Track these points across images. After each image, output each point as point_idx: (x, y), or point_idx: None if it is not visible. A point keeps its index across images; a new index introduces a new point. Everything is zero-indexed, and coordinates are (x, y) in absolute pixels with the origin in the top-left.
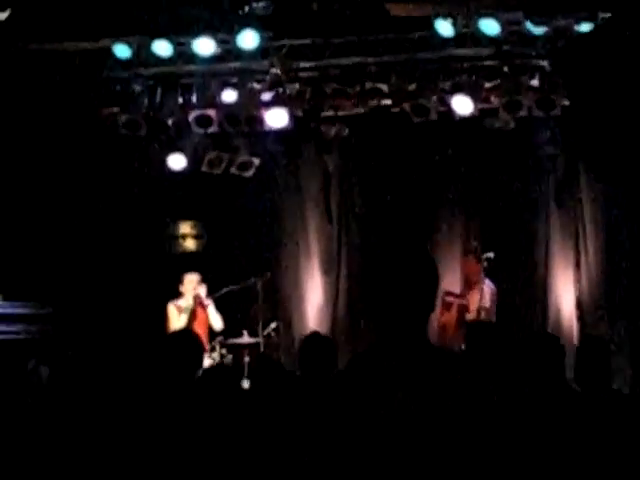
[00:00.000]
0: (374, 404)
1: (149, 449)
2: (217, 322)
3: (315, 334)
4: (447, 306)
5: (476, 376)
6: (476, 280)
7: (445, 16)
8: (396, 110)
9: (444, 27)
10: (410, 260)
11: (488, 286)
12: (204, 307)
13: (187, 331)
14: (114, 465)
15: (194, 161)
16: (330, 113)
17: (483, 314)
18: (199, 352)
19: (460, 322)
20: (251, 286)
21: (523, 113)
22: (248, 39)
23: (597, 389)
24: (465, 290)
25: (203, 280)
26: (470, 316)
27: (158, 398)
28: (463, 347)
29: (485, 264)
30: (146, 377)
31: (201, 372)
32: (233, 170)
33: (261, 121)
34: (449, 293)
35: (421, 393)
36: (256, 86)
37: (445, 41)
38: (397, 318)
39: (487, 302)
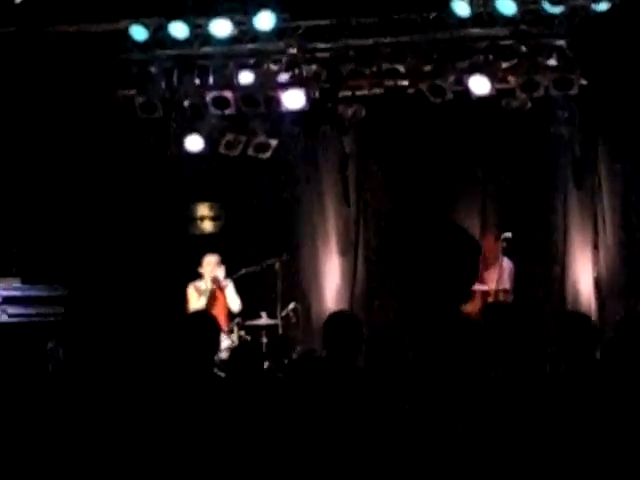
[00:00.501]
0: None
1: (165, 434)
2: (235, 304)
3: (340, 312)
4: (471, 295)
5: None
6: (494, 259)
7: None
8: (413, 91)
9: (461, 7)
10: (449, 232)
11: (507, 265)
12: (222, 289)
13: (203, 313)
14: (131, 448)
15: (211, 143)
16: (347, 94)
17: (501, 295)
18: (216, 333)
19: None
20: (269, 267)
21: (540, 93)
22: (264, 20)
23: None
24: (482, 269)
25: (222, 261)
26: (490, 299)
27: (176, 381)
28: None
29: (504, 244)
30: (164, 359)
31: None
32: (250, 152)
33: (278, 102)
34: None
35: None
36: (273, 67)
37: (462, 21)
38: (438, 290)
39: (506, 282)
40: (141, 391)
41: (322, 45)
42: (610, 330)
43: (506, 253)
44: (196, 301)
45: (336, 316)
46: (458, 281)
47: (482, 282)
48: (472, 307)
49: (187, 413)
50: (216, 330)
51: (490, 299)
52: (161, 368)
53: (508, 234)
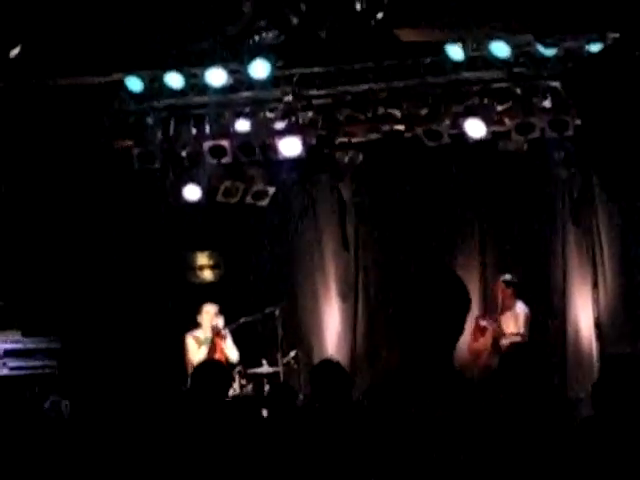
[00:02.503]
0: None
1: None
2: (233, 354)
3: (326, 361)
4: (482, 331)
5: (500, 404)
6: (508, 304)
7: (455, 40)
8: (409, 135)
9: (454, 51)
10: (441, 283)
11: (523, 310)
12: (222, 338)
13: (215, 362)
14: None
15: (209, 191)
16: (344, 140)
17: (518, 340)
18: (228, 382)
19: (495, 348)
20: (269, 315)
21: (536, 135)
22: (259, 69)
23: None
24: (499, 314)
25: (221, 310)
26: (505, 341)
27: (182, 428)
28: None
29: (510, 288)
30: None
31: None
32: (248, 199)
33: (275, 150)
34: (482, 316)
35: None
36: (269, 115)
37: (456, 65)
38: (426, 342)
39: (522, 328)
40: (141, 442)
41: (317, 92)
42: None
43: (518, 295)
44: (196, 351)
45: (322, 365)
46: (443, 335)
47: (497, 323)
48: (483, 343)
49: (192, 461)
50: (229, 379)
51: (503, 341)
52: (161, 417)
53: (508, 276)
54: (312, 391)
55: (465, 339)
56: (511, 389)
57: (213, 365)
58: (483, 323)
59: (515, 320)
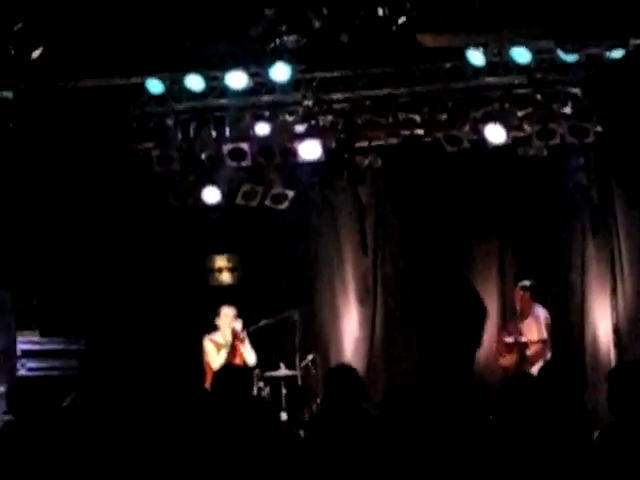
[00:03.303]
0: (407, 439)
1: None
2: (251, 357)
3: (341, 366)
4: (507, 348)
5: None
6: (527, 309)
7: (476, 46)
8: (429, 140)
9: (475, 56)
10: (458, 296)
11: (542, 314)
12: (241, 341)
13: (238, 367)
14: None
15: (229, 194)
16: (363, 144)
17: (542, 346)
18: (250, 387)
19: (520, 360)
20: (288, 318)
21: (556, 141)
22: (280, 72)
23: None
24: (519, 320)
25: (239, 313)
26: (530, 352)
27: (202, 432)
28: None
29: (528, 292)
30: (184, 411)
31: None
32: (267, 203)
33: (294, 153)
34: (505, 331)
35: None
36: (289, 118)
37: (477, 70)
38: (443, 355)
39: (543, 333)
40: (160, 443)
41: (338, 96)
42: None
43: (537, 300)
44: (216, 355)
45: (337, 370)
46: (461, 347)
47: (519, 334)
48: (510, 360)
49: (210, 465)
50: (250, 385)
51: (528, 352)
52: (181, 419)
53: (526, 282)
54: (325, 395)
55: (488, 352)
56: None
57: (235, 370)
58: (508, 340)
59: (537, 325)
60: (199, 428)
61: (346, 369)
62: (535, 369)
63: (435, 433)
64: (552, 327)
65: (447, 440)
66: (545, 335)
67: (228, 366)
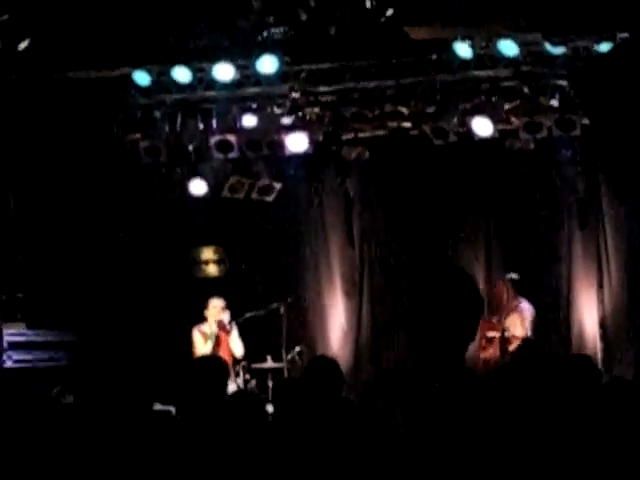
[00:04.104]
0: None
1: (174, 474)
2: (238, 349)
3: (320, 357)
4: (489, 341)
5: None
6: (513, 304)
7: (463, 38)
8: (416, 132)
9: (463, 49)
10: (455, 287)
11: (528, 310)
12: (227, 333)
13: (213, 357)
14: None
15: (215, 186)
16: (350, 136)
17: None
18: (225, 378)
19: (502, 355)
20: (274, 311)
21: (543, 133)
22: (267, 64)
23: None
24: (504, 315)
25: (227, 305)
26: (513, 347)
27: (182, 423)
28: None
29: (510, 285)
30: (171, 402)
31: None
32: (254, 195)
33: (281, 145)
34: (488, 325)
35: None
36: (276, 111)
37: (464, 63)
38: (438, 344)
39: (528, 329)
40: (148, 433)
41: (325, 88)
42: (616, 369)
43: (522, 295)
44: (202, 346)
45: (316, 361)
46: (456, 334)
47: (503, 329)
48: (491, 353)
49: (194, 457)
50: (225, 376)
51: (511, 347)
52: (168, 411)
53: (513, 275)
54: (304, 385)
55: (474, 347)
56: (520, 386)
57: (209, 361)
58: (490, 334)
59: (521, 321)
60: (180, 420)
61: (325, 360)
62: None
63: (421, 422)
64: (539, 320)
65: (431, 428)
66: (529, 332)
67: (203, 357)
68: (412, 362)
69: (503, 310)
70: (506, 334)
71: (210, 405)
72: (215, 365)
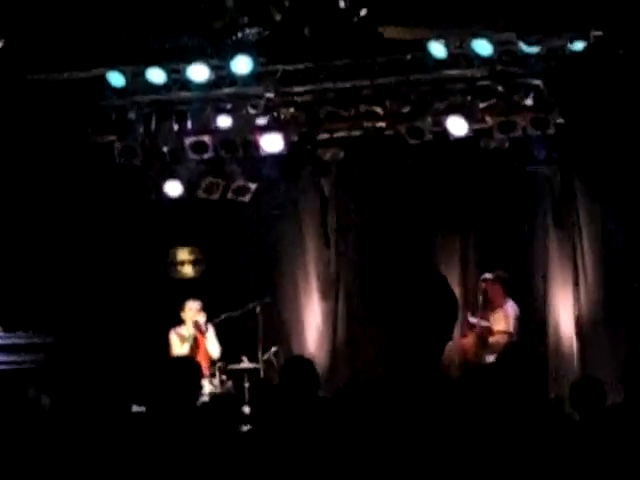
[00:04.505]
0: (367, 431)
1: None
2: (215, 350)
3: (296, 357)
4: (470, 327)
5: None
6: (498, 303)
7: (438, 38)
8: (391, 132)
9: (437, 48)
10: (430, 288)
11: (513, 310)
12: (203, 334)
13: (186, 358)
14: None
15: (190, 187)
16: (325, 136)
17: (506, 338)
18: (198, 379)
19: (481, 344)
20: (250, 311)
21: (518, 133)
22: (242, 65)
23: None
24: (489, 311)
25: (203, 306)
26: (493, 339)
27: (158, 425)
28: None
29: (502, 284)
30: (147, 404)
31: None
32: (230, 195)
33: (256, 146)
34: (471, 313)
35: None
36: (251, 111)
37: (438, 62)
38: (413, 347)
39: (511, 327)
40: (125, 436)
41: (300, 88)
42: (592, 366)
43: (509, 295)
44: (179, 347)
45: (291, 361)
46: (432, 340)
47: (486, 319)
48: (469, 341)
49: (170, 459)
50: (198, 375)
51: (491, 338)
52: (144, 413)
53: (500, 272)
54: (280, 386)
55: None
56: (504, 388)
57: (182, 361)
58: (472, 320)
59: (505, 319)
60: (156, 422)
61: (301, 360)
62: (493, 358)
63: (396, 423)
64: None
65: (408, 430)
66: (512, 329)
67: (177, 358)
68: (383, 364)
69: (488, 308)
70: (487, 323)
71: (183, 406)
72: (188, 366)
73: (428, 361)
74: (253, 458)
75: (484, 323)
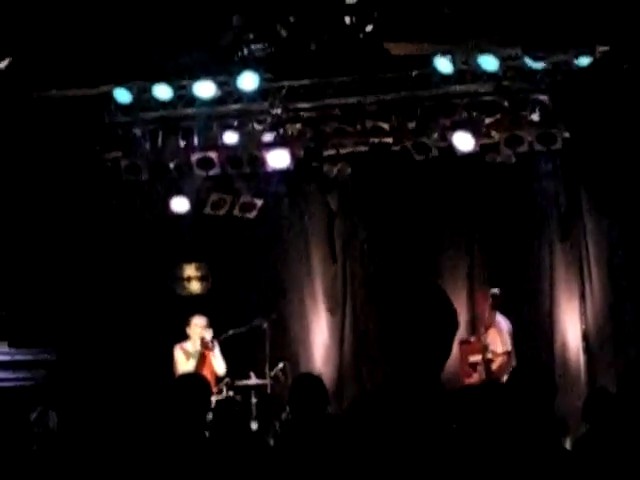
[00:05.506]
0: (375, 446)
1: None
2: (220, 367)
3: (305, 375)
4: (473, 367)
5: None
6: (490, 319)
7: (444, 53)
8: (397, 148)
9: (443, 64)
10: (430, 304)
11: (505, 324)
12: (210, 350)
13: (195, 375)
14: None
15: (197, 203)
16: (332, 152)
17: (506, 359)
18: (208, 395)
19: (488, 377)
20: (257, 327)
21: (524, 148)
22: (248, 81)
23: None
24: (482, 331)
25: (209, 322)
26: (495, 367)
27: (166, 442)
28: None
29: (490, 300)
30: (154, 421)
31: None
32: (236, 212)
33: (263, 162)
34: (469, 348)
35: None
36: (257, 127)
37: (444, 78)
38: (412, 363)
39: (508, 344)
40: (131, 453)
41: (306, 104)
42: (599, 381)
43: (498, 309)
44: (185, 363)
45: (301, 379)
46: (431, 356)
47: (484, 350)
48: (476, 379)
49: (178, 476)
50: (208, 392)
51: (494, 366)
52: (151, 430)
53: (495, 290)
54: (289, 403)
55: (453, 364)
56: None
57: (192, 379)
58: (472, 359)
59: (500, 336)
60: (164, 438)
61: (310, 377)
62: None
63: (401, 440)
64: (521, 333)
65: (413, 447)
66: (509, 346)
67: (186, 375)
68: (386, 380)
69: (482, 325)
70: (488, 355)
71: (193, 423)
72: (198, 383)
73: (428, 374)
74: (264, 475)
75: (484, 356)
